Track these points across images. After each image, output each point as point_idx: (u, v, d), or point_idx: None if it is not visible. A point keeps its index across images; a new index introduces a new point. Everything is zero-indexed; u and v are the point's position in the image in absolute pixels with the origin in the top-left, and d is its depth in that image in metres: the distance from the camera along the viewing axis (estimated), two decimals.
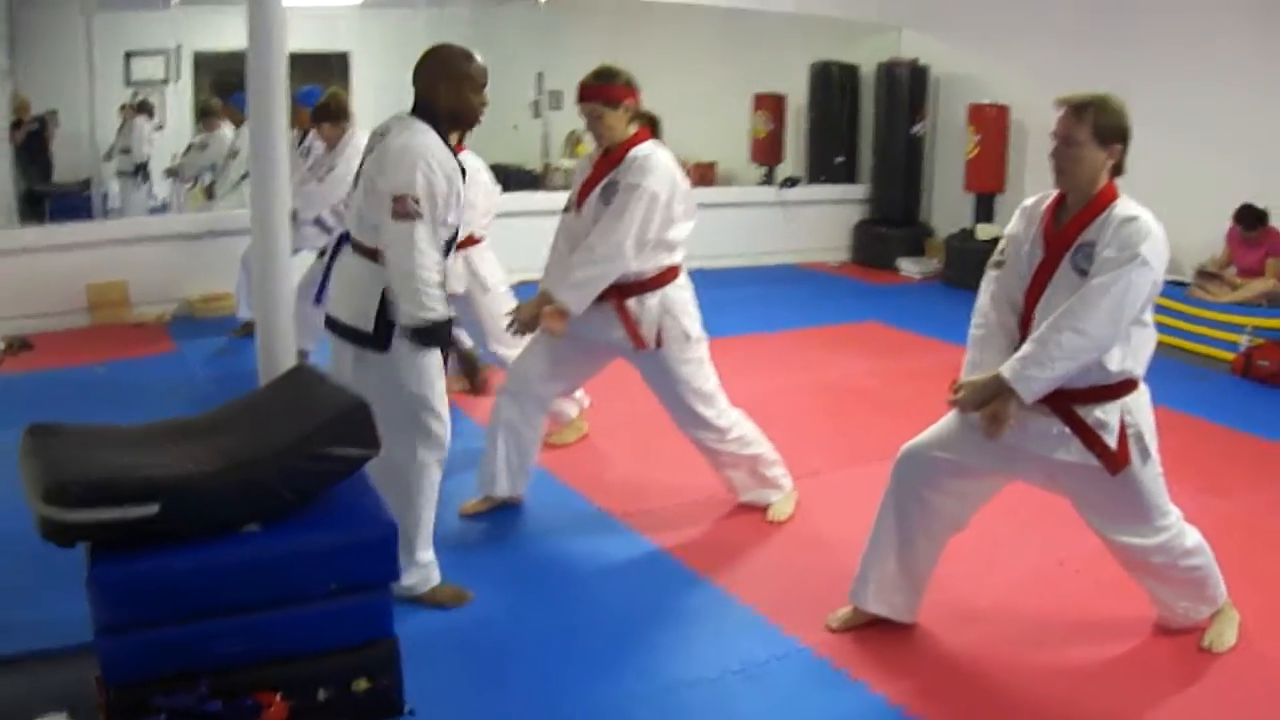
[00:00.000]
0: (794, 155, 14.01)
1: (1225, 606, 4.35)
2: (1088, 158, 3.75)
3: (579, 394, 6.21)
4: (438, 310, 4.11)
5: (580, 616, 4.48)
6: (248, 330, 8.41)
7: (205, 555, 3.23)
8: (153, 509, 3.12)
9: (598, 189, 4.96)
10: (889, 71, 12.94)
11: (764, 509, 5.46)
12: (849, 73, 13.59)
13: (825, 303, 11.13)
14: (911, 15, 13.23)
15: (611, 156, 4.96)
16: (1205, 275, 9.57)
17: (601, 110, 4.90)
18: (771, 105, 13.84)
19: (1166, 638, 4.37)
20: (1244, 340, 8.77)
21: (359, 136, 7.20)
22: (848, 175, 13.78)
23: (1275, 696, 4.03)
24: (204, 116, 10.76)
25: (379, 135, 4.22)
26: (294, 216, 6.89)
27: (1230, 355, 8.87)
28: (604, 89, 4.91)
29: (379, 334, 4.18)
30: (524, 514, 5.44)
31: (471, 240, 6.52)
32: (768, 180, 13.74)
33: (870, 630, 4.32)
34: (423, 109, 4.21)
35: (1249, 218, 9.23)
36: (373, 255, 4.17)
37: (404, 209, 4.02)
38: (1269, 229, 9.23)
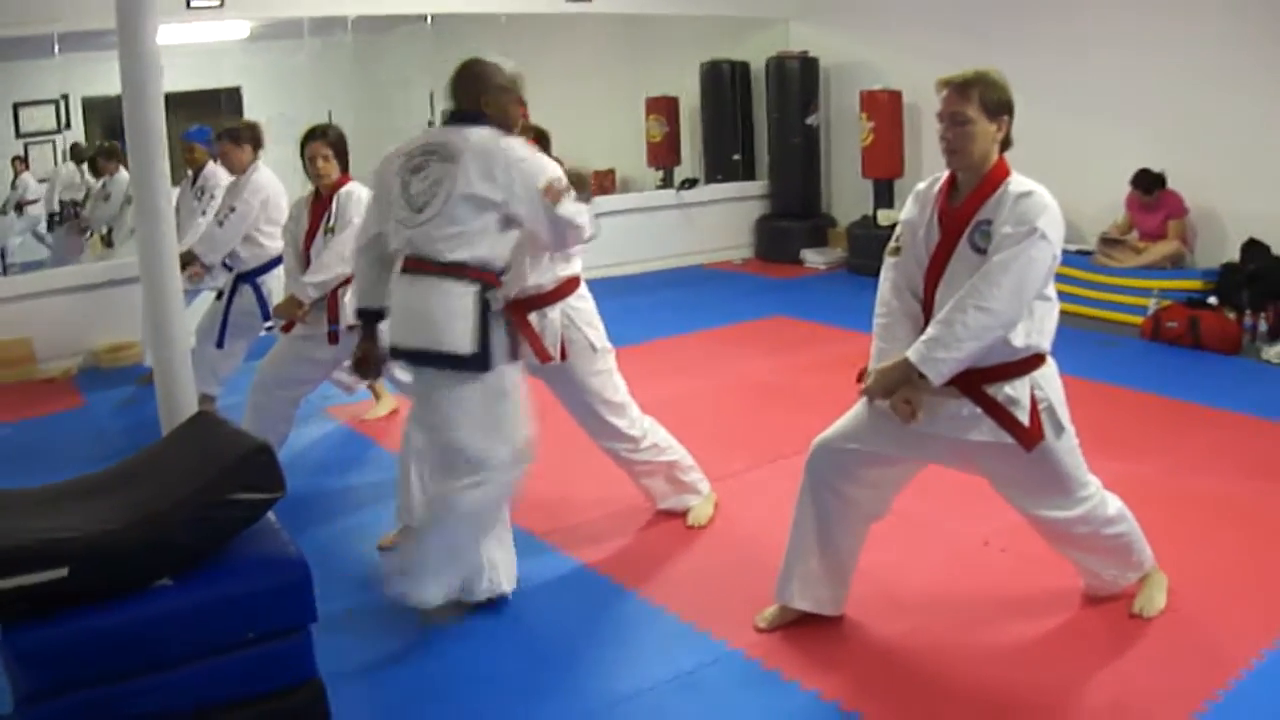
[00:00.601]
0: (691, 156, 14.05)
1: (1152, 571, 4.38)
2: (979, 134, 3.73)
3: None
4: (584, 212, 4.40)
5: (509, 641, 4.41)
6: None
7: (120, 614, 3.16)
8: (62, 572, 3.04)
9: None
10: (779, 65, 12.97)
11: (684, 514, 5.43)
12: (739, 69, 13.65)
13: (732, 301, 11.14)
14: (797, 7, 13.35)
15: None
16: (1109, 242, 9.66)
17: None
18: (664, 108, 13.88)
19: (1097, 607, 4.39)
20: (1151, 304, 8.89)
21: (261, 172, 7.09)
22: (746, 172, 13.86)
23: (1208, 658, 4.04)
24: (103, 159, 10.46)
25: (430, 152, 4.25)
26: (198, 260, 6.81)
27: (1139, 320, 8.97)
28: None
29: (485, 352, 4.18)
30: None
31: None
32: (666, 183, 13.77)
33: (799, 627, 4.30)
34: (471, 119, 4.28)
35: (1146, 181, 9.33)
36: (458, 272, 4.16)
37: (557, 192, 4.22)
38: (1167, 192, 9.33)
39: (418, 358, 4.26)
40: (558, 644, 4.40)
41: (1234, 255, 9.15)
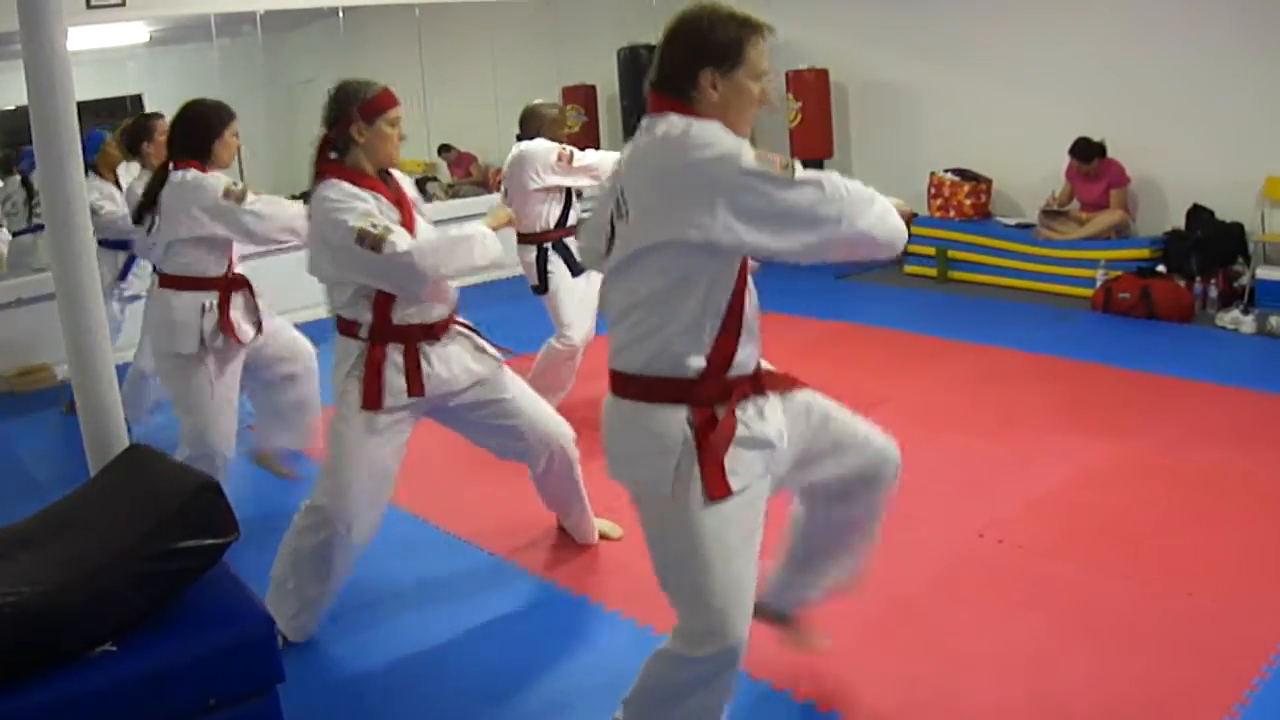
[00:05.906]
0: (610, 145, 13.69)
1: None
2: None
3: None
4: None
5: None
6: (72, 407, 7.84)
7: (57, 689, 2.72)
8: None
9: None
10: None
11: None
12: None
13: None
14: None
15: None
16: (1050, 214, 9.50)
17: None
18: (581, 97, 13.55)
19: (1104, 600, 4.15)
20: (1099, 275, 8.79)
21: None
22: None
23: (1239, 648, 3.81)
24: None
25: None
26: None
27: (1087, 291, 8.88)
28: None
29: None
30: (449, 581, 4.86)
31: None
32: None
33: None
34: None
35: (1086, 150, 9.17)
36: None
37: None
38: (1107, 160, 9.19)
39: None
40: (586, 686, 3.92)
41: (1176, 223, 9.08)
